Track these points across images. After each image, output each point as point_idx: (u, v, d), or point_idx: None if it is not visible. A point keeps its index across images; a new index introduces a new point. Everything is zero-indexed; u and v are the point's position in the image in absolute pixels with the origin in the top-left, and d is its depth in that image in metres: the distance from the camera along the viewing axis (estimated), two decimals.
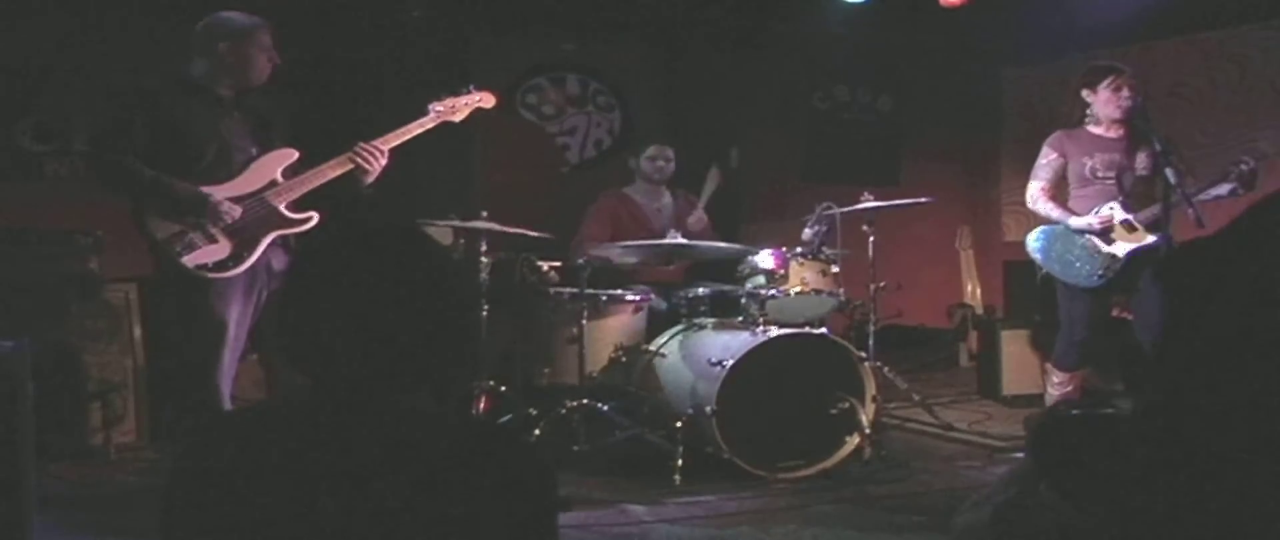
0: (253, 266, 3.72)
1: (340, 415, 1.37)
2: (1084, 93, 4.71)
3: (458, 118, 4.21)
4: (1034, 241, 4.79)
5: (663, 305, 5.19)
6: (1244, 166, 4.37)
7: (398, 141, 3.98)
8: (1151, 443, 1.18)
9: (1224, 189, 4.42)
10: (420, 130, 4.08)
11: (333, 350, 1.38)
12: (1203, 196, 4.37)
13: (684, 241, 5.00)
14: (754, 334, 4.45)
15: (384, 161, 3.90)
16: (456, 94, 4.22)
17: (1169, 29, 6.73)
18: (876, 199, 5.15)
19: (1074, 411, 1.39)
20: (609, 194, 5.72)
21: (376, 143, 3.90)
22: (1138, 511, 1.17)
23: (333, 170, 3.86)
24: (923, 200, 5.30)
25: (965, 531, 1.34)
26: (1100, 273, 4.57)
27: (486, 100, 4.32)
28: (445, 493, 1.32)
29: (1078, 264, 4.63)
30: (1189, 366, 1.19)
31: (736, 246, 5.09)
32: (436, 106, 4.15)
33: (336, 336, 1.38)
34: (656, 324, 5.09)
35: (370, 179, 3.90)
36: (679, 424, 4.35)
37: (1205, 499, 1.14)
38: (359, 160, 3.85)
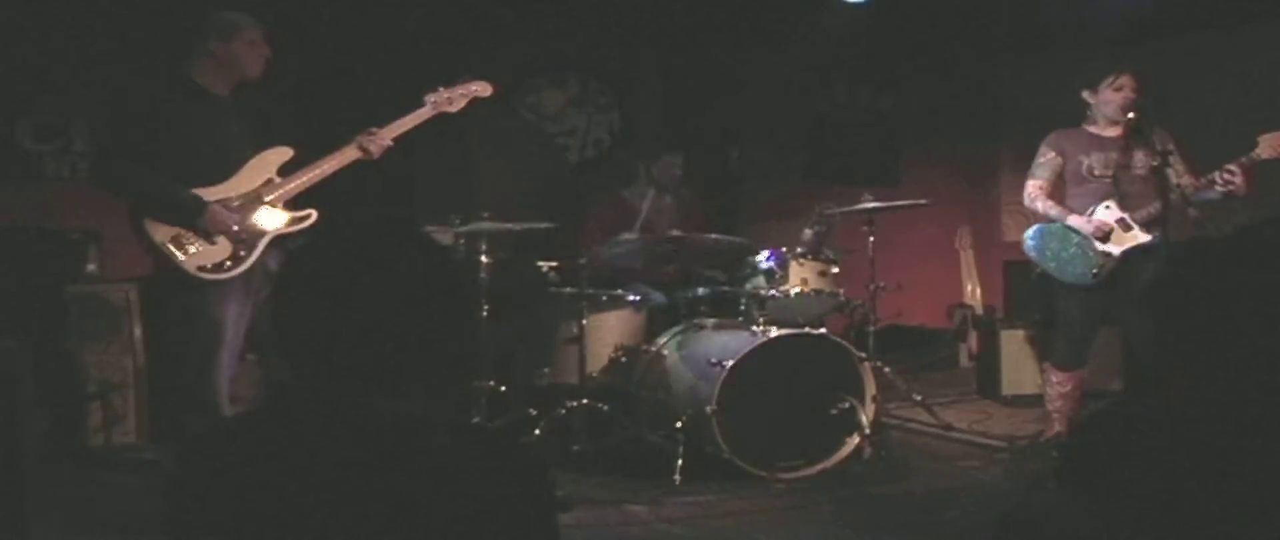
0: (251, 267, 3.72)
1: (335, 418, 1.36)
2: (1084, 93, 4.71)
3: (454, 108, 4.19)
4: (1030, 239, 4.79)
5: (663, 299, 5.17)
6: (1230, 174, 4.40)
7: (397, 133, 3.99)
8: (1170, 446, 1.17)
9: (1215, 193, 4.44)
10: (417, 122, 4.07)
11: (325, 349, 1.37)
12: (1199, 198, 4.42)
13: (680, 233, 4.98)
14: (754, 334, 4.44)
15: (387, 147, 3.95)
16: (452, 85, 4.21)
17: (1169, 28, 6.72)
18: (876, 199, 5.15)
19: (1115, 409, 1.37)
20: (604, 202, 5.67)
21: (381, 132, 3.93)
22: (1154, 514, 1.16)
23: (331, 165, 3.86)
24: (922, 201, 5.29)
25: (966, 532, 1.34)
26: (1095, 270, 4.57)
27: (483, 89, 4.29)
28: (443, 497, 1.31)
29: (1073, 262, 4.63)
30: (1210, 369, 1.18)
31: (736, 239, 5.07)
32: (432, 97, 4.14)
33: (328, 335, 1.37)
34: (656, 324, 5.09)
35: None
36: (679, 424, 4.34)
37: (1219, 504, 1.13)
38: (368, 148, 3.87)
